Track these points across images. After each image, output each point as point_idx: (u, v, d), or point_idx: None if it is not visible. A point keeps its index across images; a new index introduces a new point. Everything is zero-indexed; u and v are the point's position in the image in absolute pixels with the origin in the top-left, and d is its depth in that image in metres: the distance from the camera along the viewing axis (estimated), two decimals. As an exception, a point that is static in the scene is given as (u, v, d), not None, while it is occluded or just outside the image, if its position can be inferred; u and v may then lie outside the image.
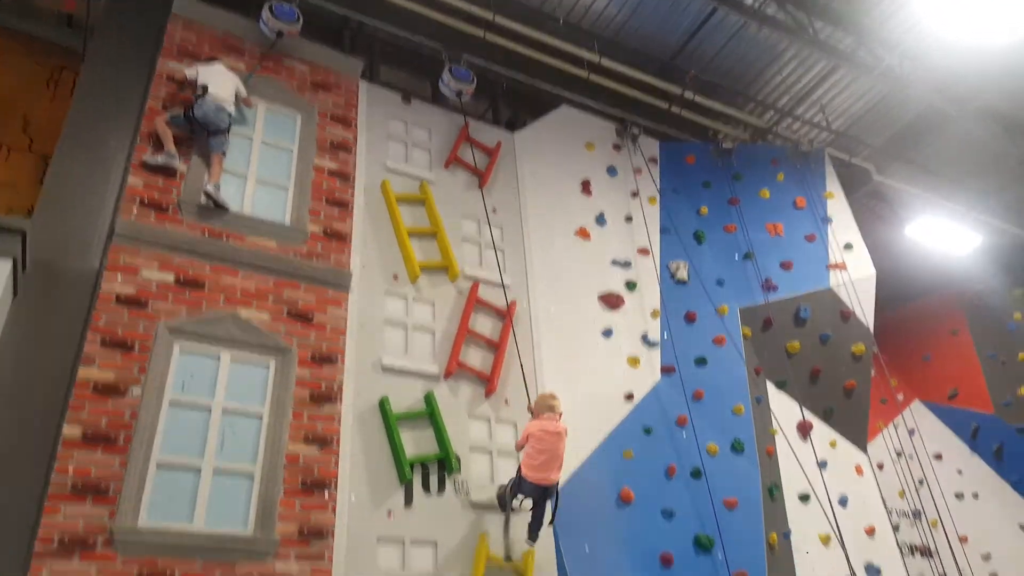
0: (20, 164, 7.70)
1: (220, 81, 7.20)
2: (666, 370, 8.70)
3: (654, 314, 9.11)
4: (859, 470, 9.52)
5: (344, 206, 7.68)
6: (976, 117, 11.39)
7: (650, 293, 9.24)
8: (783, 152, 11.27)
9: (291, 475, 6.10)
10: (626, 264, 9.34)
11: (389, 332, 7.38)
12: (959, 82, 10.82)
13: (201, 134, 7.08)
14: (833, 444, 9.44)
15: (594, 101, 10.43)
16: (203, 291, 6.49)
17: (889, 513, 9.76)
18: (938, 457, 13.10)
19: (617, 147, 10.44)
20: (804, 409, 9.26)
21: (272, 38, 8.06)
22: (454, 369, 7.39)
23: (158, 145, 6.89)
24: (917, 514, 11.83)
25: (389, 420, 6.80)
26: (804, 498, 8.62)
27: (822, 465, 8.87)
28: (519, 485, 6.45)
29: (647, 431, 8.15)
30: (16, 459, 5.35)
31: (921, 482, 11.94)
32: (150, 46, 7.68)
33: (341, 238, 7.47)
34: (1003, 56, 9.94)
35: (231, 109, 7.16)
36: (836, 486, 8.89)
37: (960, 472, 12.90)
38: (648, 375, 8.63)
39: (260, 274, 6.83)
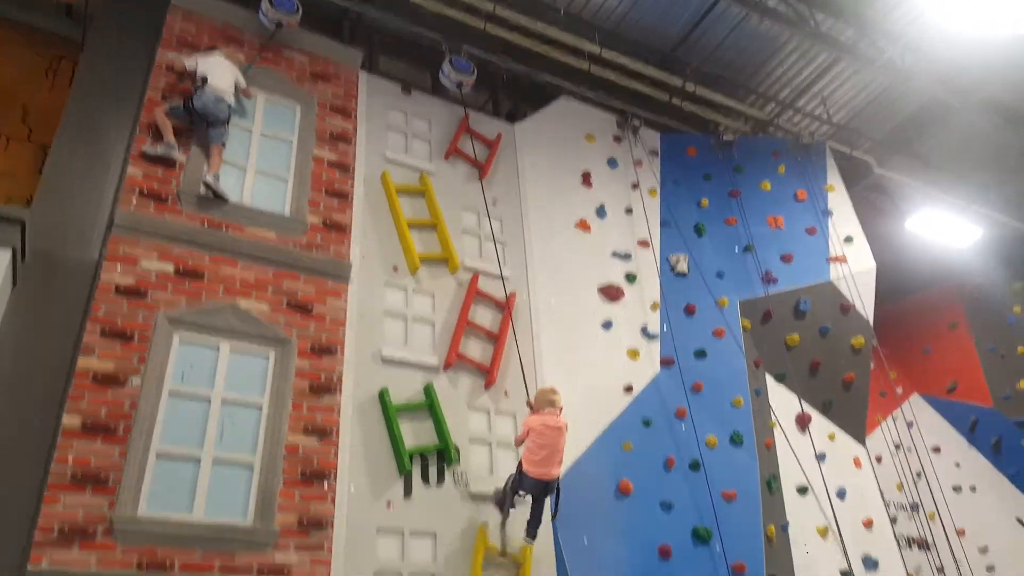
0: (19, 154, 7.69)
1: (219, 72, 7.17)
2: (665, 362, 8.71)
3: (654, 306, 9.11)
4: (857, 463, 9.54)
5: (344, 197, 7.67)
6: (978, 109, 11.37)
7: (650, 285, 9.24)
8: (784, 144, 11.25)
9: (291, 466, 6.11)
10: (626, 256, 9.33)
11: (389, 323, 7.38)
12: (962, 74, 10.79)
13: (200, 125, 7.06)
14: (832, 437, 9.46)
15: (595, 93, 10.39)
16: (202, 281, 6.49)
17: (887, 506, 9.79)
18: (936, 450, 13.11)
19: (618, 139, 10.41)
20: (803, 402, 9.27)
21: (271, 29, 8.03)
22: (454, 361, 7.39)
23: (157, 136, 6.87)
24: (915, 507, 11.86)
25: (388, 411, 6.81)
26: (802, 491, 8.64)
27: (820, 458, 8.88)
28: (520, 481, 6.38)
29: (646, 423, 8.16)
30: (16, 449, 5.37)
31: (919, 475, 11.96)
32: (149, 36, 7.64)
33: (341, 229, 7.46)
34: (1006, 47, 9.92)
35: (231, 100, 7.14)
36: (834, 479, 8.92)
37: (958, 465, 12.92)
38: (647, 367, 8.63)
39: (260, 265, 6.82)
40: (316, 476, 6.18)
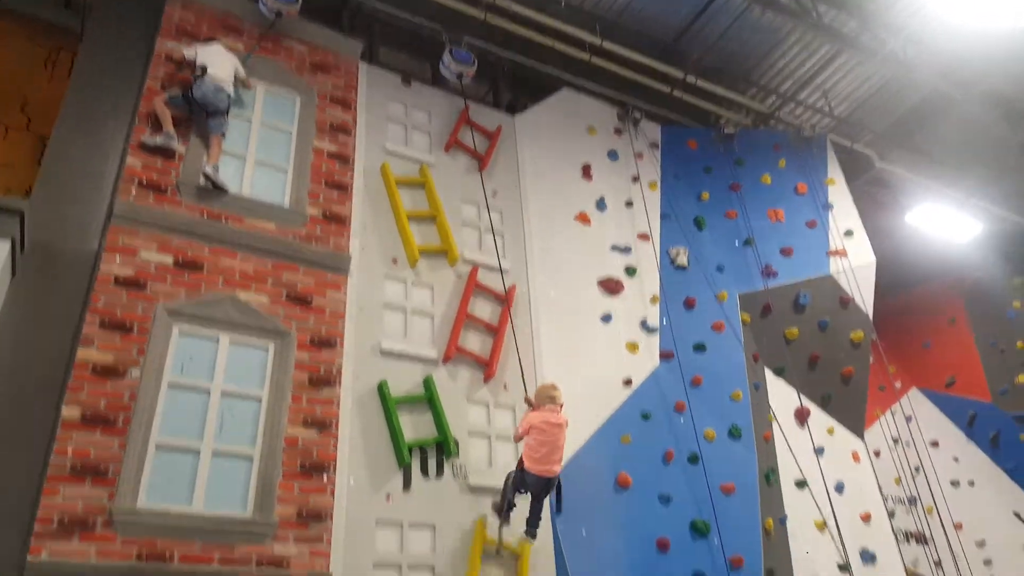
0: (18, 144, 7.66)
1: (219, 62, 7.14)
2: (665, 356, 8.71)
3: (653, 300, 9.10)
4: (856, 457, 9.55)
5: (343, 189, 7.65)
6: (980, 101, 11.34)
7: (650, 279, 9.23)
8: (785, 138, 11.22)
9: (290, 458, 6.11)
10: (626, 249, 9.31)
11: (388, 316, 7.38)
12: (964, 66, 10.76)
13: (200, 115, 7.03)
14: (831, 431, 9.47)
15: (595, 84, 10.36)
16: (202, 273, 6.48)
17: (885, 500, 9.80)
18: (935, 444, 13.14)
19: (618, 131, 10.38)
20: (802, 395, 9.27)
21: (271, 18, 7.99)
22: (453, 353, 7.39)
23: (157, 126, 6.84)
24: (913, 501, 11.90)
25: (388, 404, 6.81)
26: (801, 484, 8.66)
27: (819, 451, 8.90)
28: (521, 479, 6.34)
29: (645, 416, 8.17)
30: (15, 440, 5.37)
31: (917, 469, 11.97)
32: (149, 26, 7.61)
33: (340, 221, 7.45)
34: (1008, 40, 9.88)
35: (230, 90, 7.11)
36: (833, 472, 8.93)
37: (956, 460, 12.95)
38: (647, 360, 8.63)
39: (259, 256, 6.81)
40: (315, 468, 6.19)
